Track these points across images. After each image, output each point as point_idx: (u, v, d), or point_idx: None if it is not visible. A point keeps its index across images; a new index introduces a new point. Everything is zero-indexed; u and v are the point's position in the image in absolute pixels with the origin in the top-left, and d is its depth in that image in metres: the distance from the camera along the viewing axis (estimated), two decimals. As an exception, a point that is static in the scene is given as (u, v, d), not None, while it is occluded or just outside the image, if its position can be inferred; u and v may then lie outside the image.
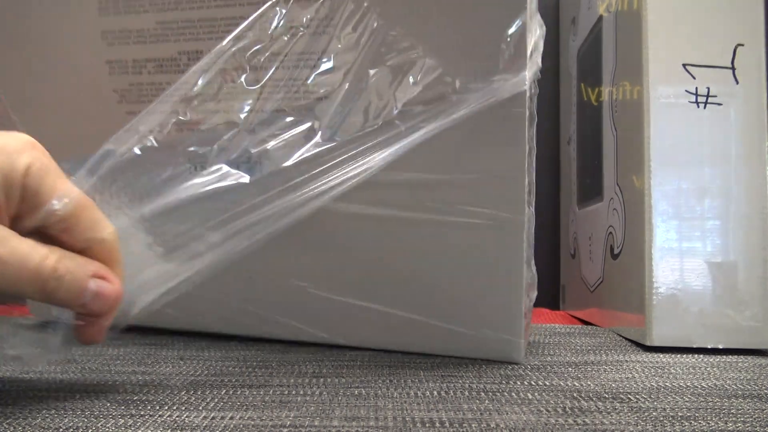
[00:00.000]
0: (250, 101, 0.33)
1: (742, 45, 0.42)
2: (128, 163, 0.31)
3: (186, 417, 0.26)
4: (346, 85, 0.33)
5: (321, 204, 0.31)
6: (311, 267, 0.38)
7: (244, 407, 0.28)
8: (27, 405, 0.28)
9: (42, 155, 0.26)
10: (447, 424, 0.26)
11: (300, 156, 0.32)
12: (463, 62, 0.32)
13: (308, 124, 0.33)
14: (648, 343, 0.42)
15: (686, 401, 0.30)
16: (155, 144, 0.32)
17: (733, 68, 0.42)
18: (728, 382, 0.34)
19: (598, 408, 0.29)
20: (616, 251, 0.48)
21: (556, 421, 0.27)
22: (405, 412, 0.27)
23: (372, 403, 0.29)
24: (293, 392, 0.30)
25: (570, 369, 0.36)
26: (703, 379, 0.35)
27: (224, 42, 0.33)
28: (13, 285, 0.24)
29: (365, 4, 0.33)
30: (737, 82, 0.42)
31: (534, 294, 0.40)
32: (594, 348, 0.42)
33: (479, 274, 0.35)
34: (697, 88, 0.43)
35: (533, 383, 0.33)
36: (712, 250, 0.42)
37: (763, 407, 0.29)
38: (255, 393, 0.30)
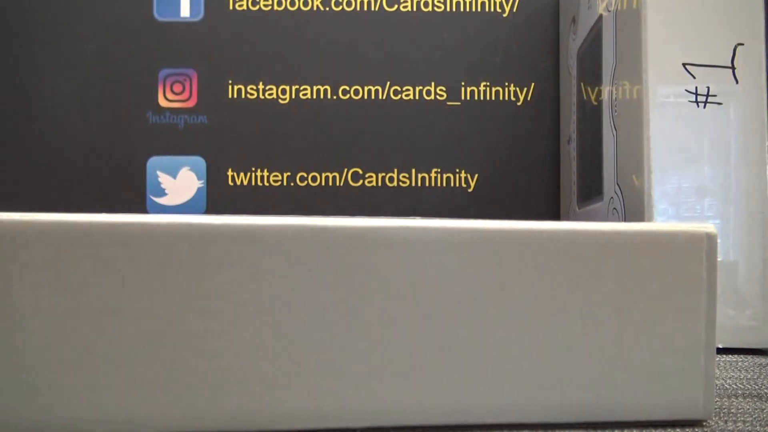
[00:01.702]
0: None
1: (742, 44, 0.42)
2: None
3: None
4: None
5: None
6: None
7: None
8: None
9: None
10: (447, 425, 0.26)
11: None
12: None
13: None
14: (648, 343, 0.42)
15: (686, 401, 0.30)
16: None
17: (733, 68, 0.42)
18: (728, 381, 0.34)
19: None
20: (616, 251, 0.48)
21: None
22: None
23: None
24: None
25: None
26: (703, 378, 0.35)
27: None
28: None
29: None
30: (737, 82, 0.42)
31: None
32: (594, 347, 0.42)
33: None
34: (697, 88, 0.43)
35: (533, 383, 0.33)
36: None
37: (763, 407, 0.29)
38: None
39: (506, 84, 0.74)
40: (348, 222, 0.25)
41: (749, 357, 0.40)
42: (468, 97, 0.75)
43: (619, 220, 0.48)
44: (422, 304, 0.26)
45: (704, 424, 0.26)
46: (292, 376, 0.25)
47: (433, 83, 0.75)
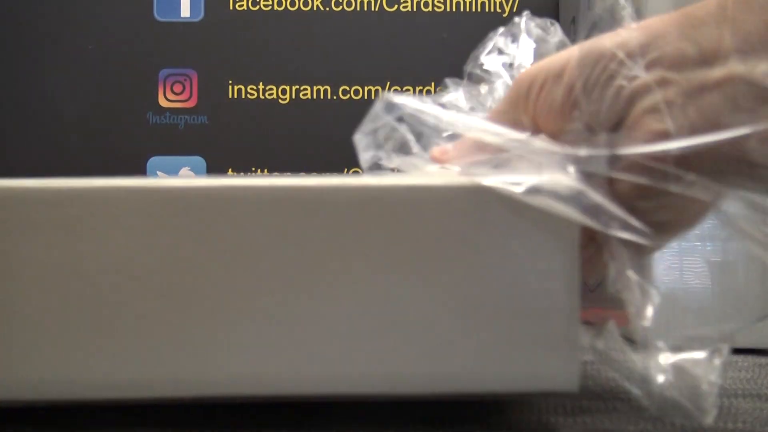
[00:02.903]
0: None
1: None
2: None
3: None
4: None
5: None
6: None
7: None
8: None
9: None
10: (447, 424, 0.26)
11: None
12: None
13: None
14: (648, 343, 0.42)
15: (686, 401, 0.30)
16: None
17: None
18: (728, 381, 0.34)
19: (598, 407, 0.28)
20: (616, 251, 0.48)
21: (556, 420, 0.27)
22: (405, 411, 0.27)
23: (371, 402, 0.28)
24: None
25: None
26: (703, 378, 0.35)
27: None
28: None
29: None
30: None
31: None
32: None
33: None
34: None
35: (533, 383, 0.33)
36: (711, 249, 0.42)
37: (763, 407, 0.29)
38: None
39: (506, 84, 0.74)
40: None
41: (749, 357, 0.40)
42: (468, 97, 0.74)
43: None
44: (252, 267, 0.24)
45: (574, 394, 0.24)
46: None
47: (433, 83, 0.75)
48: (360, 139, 0.33)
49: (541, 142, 0.25)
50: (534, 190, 0.23)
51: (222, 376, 0.24)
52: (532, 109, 0.27)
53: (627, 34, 0.25)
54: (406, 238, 0.24)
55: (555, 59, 0.27)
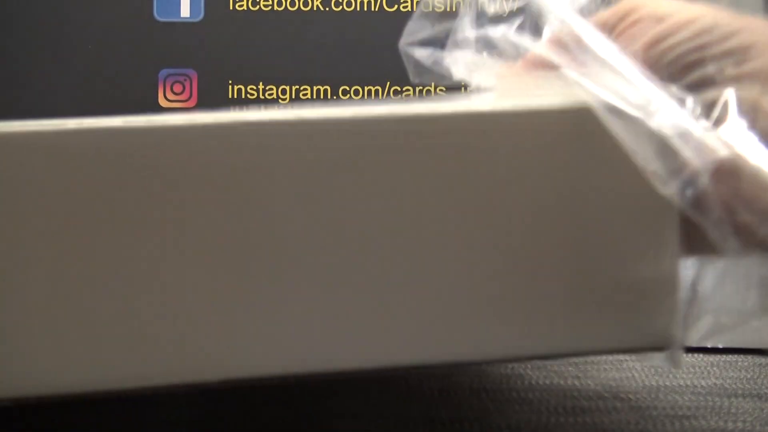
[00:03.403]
0: None
1: (742, 44, 0.42)
2: None
3: None
4: None
5: None
6: None
7: None
8: None
9: None
10: (447, 424, 0.26)
11: None
12: None
13: None
14: (648, 343, 0.41)
15: (686, 400, 0.30)
16: None
17: (732, 68, 0.42)
18: (728, 381, 0.34)
19: (599, 407, 0.29)
20: (616, 251, 0.48)
21: (557, 420, 0.27)
22: (405, 411, 0.27)
23: (372, 401, 0.29)
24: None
25: (570, 368, 0.36)
26: (702, 378, 0.35)
27: None
28: None
29: None
30: (737, 82, 0.42)
31: None
32: (594, 347, 0.42)
33: None
34: (696, 88, 0.42)
35: (533, 383, 0.33)
36: (711, 250, 0.42)
37: (763, 406, 0.29)
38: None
39: (506, 84, 0.74)
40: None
41: (749, 357, 0.40)
42: (468, 97, 0.74)
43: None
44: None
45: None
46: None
47: (433, 83, 0.74)
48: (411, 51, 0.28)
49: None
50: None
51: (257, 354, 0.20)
52: (614, 38, 0.23)
53: (745, 25, 0.21)
54: (490, 174, 0.20)
55: (670, 4, 0.23)
